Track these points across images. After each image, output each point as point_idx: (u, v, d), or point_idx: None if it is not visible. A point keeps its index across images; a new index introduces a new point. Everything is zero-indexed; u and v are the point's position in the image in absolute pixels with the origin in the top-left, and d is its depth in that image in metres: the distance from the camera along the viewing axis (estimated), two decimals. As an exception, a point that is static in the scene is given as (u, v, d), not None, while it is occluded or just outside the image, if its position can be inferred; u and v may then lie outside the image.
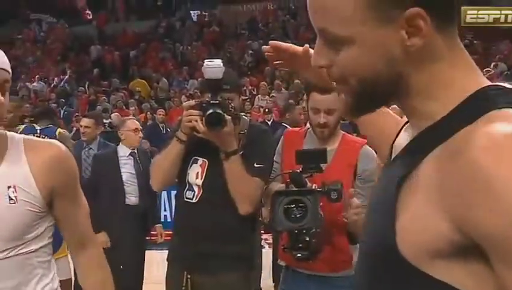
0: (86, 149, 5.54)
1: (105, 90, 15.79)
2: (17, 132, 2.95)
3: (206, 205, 2.50)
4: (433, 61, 0.83)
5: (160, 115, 11.40)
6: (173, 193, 6.37)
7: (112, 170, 4.57)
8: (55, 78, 17.14)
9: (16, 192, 1.55)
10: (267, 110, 10.36)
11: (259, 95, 12.90)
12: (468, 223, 0.73)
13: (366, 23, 0.80)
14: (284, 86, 14.06)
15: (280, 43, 1.48)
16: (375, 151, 2.22)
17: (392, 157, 0.95)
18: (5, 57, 1.57)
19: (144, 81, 15.70)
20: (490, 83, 0.84)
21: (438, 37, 0.82)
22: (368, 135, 1.53)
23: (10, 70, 1.58)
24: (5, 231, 1.54)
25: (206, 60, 2.39)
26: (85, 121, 5.65)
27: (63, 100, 14.50)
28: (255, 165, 2.47)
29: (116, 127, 10.26)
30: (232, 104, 2.45)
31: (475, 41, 13.57)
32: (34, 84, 16.60)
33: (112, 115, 11.75)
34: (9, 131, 1.66)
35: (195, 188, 2.52)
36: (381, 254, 0.84)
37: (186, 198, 2.54)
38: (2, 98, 1.50)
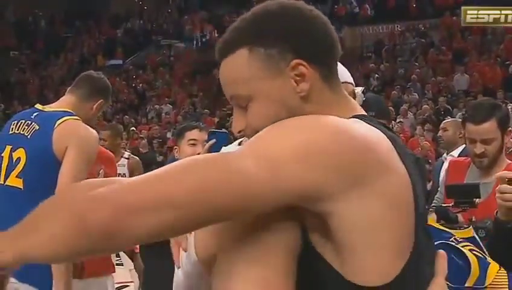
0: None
1: (229, 113, 16.07)
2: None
3: None
4: (323, 105, 0.99)
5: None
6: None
7: None
8: (182, 101, 17.75)
9: None
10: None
11: (384, 120, 12.44)
12: None
13: (261, 80, 0.97)
14: (410, 111, 13.49)
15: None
16: None
17: None
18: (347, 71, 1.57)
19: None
20: (361, 113, 1.04)
21: (324, 85, 1.00)
22: None
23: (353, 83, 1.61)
24: None
25: None
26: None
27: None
28: None
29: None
30: None
31: None
32: (162, 106, 17.29)
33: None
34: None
35: None
36: None
37: None
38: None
